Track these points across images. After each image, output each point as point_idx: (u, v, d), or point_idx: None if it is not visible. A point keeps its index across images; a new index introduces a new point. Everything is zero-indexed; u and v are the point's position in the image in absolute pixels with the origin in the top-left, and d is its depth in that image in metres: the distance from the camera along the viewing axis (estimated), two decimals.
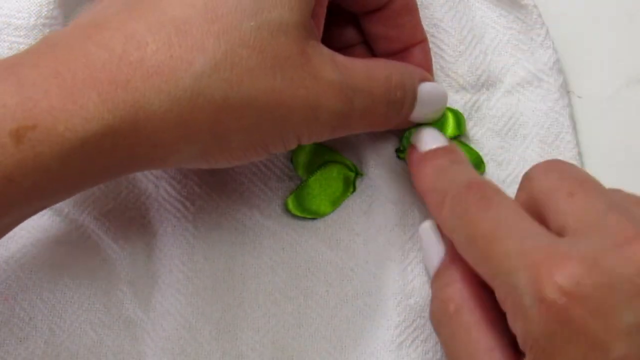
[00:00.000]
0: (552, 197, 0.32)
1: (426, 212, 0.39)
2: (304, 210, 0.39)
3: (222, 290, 0.38)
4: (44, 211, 0.38)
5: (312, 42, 0.33)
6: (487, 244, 0.31)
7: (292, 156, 0.40)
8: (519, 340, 0.30)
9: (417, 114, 0.38)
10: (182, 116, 0.30)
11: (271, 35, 0.31)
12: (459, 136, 0.40)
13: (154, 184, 0.39)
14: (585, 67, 0.44)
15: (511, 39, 0.42)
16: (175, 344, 0.37)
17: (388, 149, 0.40)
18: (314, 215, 0.39)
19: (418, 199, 0.40)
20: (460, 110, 0.41)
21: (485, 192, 0.32)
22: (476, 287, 0.33)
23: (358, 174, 0.40)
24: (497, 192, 0.32)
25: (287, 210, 0.39)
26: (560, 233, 0.30)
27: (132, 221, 0.39)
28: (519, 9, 0.41)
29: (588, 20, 0.44)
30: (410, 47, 0.39)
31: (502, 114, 0.41)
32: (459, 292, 0.33)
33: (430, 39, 0.41)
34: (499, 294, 0.30)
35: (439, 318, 0.34)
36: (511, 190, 0.40)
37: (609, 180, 0.33)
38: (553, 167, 0.33)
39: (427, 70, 0.39)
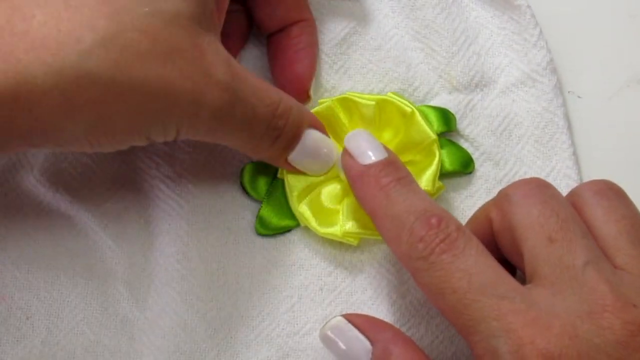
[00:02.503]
0: (529, 237, 0.31)
1: None
2: (273, 229, 0.39)
3: (217, 289, 0.38)
4: (40, 210, 0.39)
5: (209, 37, 0.32)
6: (459, 300, 0.30)
7: (240, 182, 0.40)
8: None
9: (297, 158, 0.37)
10: (67, 93, 0.29)
11: (164, 24, 0.31)
12: (447, 133, 0.40)
13: (149, 183, 0.39)
14: (586, 67, 0.44)
15: (505, 40, 0.42)
16: (171, 343, 0.37)
17: None
18: (285, 229, 0.39)
19: None
20: (454, 110, 0.41)
21: (449, 233, 0.31)
22: None
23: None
24: (459, 230, 0.31)
25: (257, 233, 0.39)
26: (532, 276, 0.30)
27: (128, 221, 0.39)
28: (513, 9, 0.42)
29: (589, 20, 0.44)
30: (290, 25, 0.38)
31: (496, 114, 0.41)
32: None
33: (422, 40, 0.41)
34: (476, 352, 0.30)
35: None
36: None
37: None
38: (534, 193, 0.32)
39: (310, 45, 0.38)
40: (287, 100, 0.36)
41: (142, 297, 0.38)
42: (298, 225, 0.39)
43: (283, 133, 0.36)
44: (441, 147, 0.40)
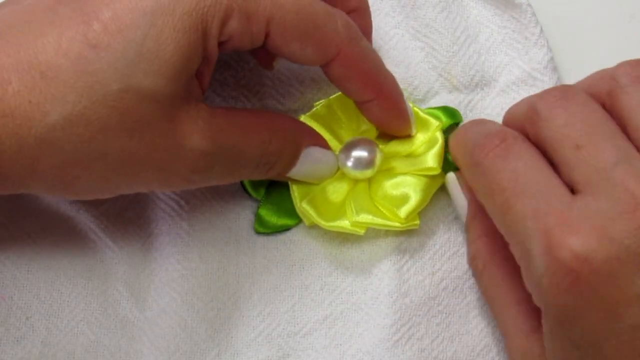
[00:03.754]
0: (559, 147, 0.31)
1: (423, 215, 0.39)
2: (272, 227, 0.39)
3: (217, 289, 0.38)
4: (40, 210, 0.39)
5: (187, 107, 0.33)
6: (504, 200, 0.31)
7: (241, 183, 0.40)
8: (534, 299, 0.31)
9: (296, 174, 0.37)
10: (30, 159, 0.31)
11: (138, 100, 0.31)
12: (458, 124, 0.40)
13: None
14: (586, 66, 0.43)
15: (506, 38, 0.42)
16: (171, 343, 0.37)
17: None
18: (285, 228, 0.39)
19: None
20: None
21: (506, 139, 0.32)
22: (500, 239, 0.33)
23: None
24: (517, 139, 0.32)
25: (257, 232, 0.39)
26: (569, 186, 0.31)
27: (128, 221, 0.39)
28: (513, 8, 0.41)
29: (589, 20, 0.44)
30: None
31: (497, 113, 0.41)
32: (484, 247, 0.34)
33: (423, 39, 0.41)
34: (515, 253, 0.31)
35: (473, 272, 0.36)
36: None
37: None
38: (559, 103, 0.32)
39: (365, 34, 0.37)
40: (281, 134, 0.36)
41: (142, 297, 0.38)
42: (297, 223, 0.39)
43: (276, 164, 0.36)
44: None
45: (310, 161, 0.37)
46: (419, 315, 0.38)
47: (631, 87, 0.32)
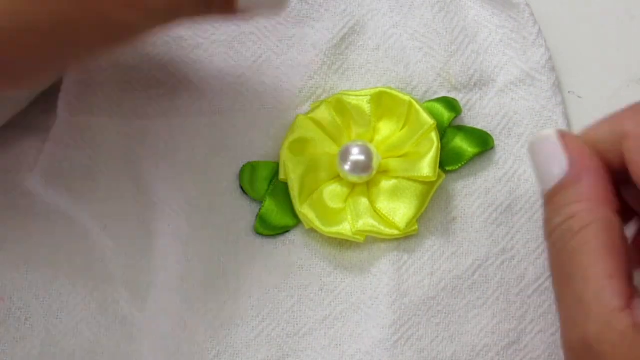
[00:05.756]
0: None
1: (422, 215, 0.39)
2: (273, 229, 0.39)
3: (217, 289, 0.38)
4: (39, 210, 0.39)
5: None
6: None
7: (239, 183, 0.40)
8: None
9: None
10: None
11: None
12: (456, 118, 0.41)
13: (147, 181, 0.39)
14: (586, 67, 0.44)
15: (504, 38, 0.42)
16: (170, 343, 0.37)
17: None
18: (285, 229, 0.39)
19: None
20: None
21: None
22: (606, 210, 0.31)
23: None
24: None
25: (257, 233, 0.39)
26: None
27: (127, 220, 0.39)
28: (511, 8, 0.42)
29: (588, 19, 0.44)
30: None
31: (495, 113, 0.41)
32: (587, 211, 0.32)
33: (421, 39, 0.41)
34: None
35: (559, 235, 0.32)
36: (507, 189, 0.40)
37: None
38: None
39: None
40: None
41: (141, 298, 0.38)
42: (298, 225, 0.39)
43: None
44: (456, 133, 0.40)
45: None
46: (419, 316, 0.38)
47: None
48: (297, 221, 0.39)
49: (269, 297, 0.39)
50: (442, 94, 0.41)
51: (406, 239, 0.39)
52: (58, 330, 0.38)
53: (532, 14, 0.42)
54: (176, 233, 0.39)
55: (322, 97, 0.41)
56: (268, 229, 0.39)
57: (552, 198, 0.33)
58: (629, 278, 0.31)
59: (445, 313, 0.39)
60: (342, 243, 0.39)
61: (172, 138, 0.40)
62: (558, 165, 0.33)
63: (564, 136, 0.33)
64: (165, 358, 0.37)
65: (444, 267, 0.39)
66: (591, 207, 0.32)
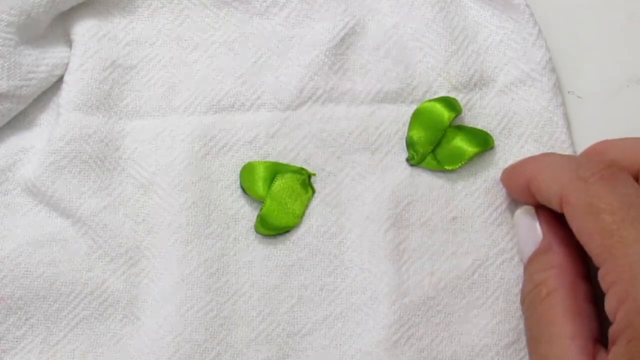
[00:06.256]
0: None
1: (422, 215, 0.40)
2: (274, 229, 0.39)
3: (217, 289, 0.38)
4: (39, 209, 0.39)
5: None
6: (615, 220, 0.31)
7: (239, 183, 0.40)
8: (615, 327, 0.30)
9: None
10: None
11: None
12: (458, 116, 0.41)
13: (147, 180, 0.39)
14: (585, 67, 0.44)
15: (504, 38, 0.42)
16: (170, 342, 0.37)
17: (352, 153, 0.40)
18: (286, 229, 0.39)
19: (414, 201, 0.40)
20: None
21: (611, 166, 0.33)
22: (571, 276, 0.34)
23: (310, 175, 0.40)
24: (622, 169, 0.33)
25: (257, 233, 0.39)
26: None
27: (127, 220, 0.39)
28: (511, 8, 0.42)
29: (588, 19, 0.44)
30: None
31: (495, 113, 0.41)
32: (554, 277, 0.34)
33: (421, 39, 0.41)
34: (606, 274, 0.31)
35: (530, 300, 0.35)
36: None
37: None
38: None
39: None
40: None
41: (142, 298, 0.38)
42: (298, 225, 0.39)
43: None
44: (456, 133, 0.40)
45: None
46: (418, 315, 0.38)
47: None
48: (298, 221, 0.39)
49: (269, 297, 0.39)
50: (442, 94, 0.41)
51: (406, 238, 0.39)
52: (58, 330, 0.38)
53: (532, 15, 0.42)
54: (175, 232, 0.39)
55: (322, 97, 0.41)
56: (268, 229, 0.39)
57: (527, 267, 0.36)
58: (594, 339, 0.32)
59: (445, 313, 0.39)
60: (342, 242, 0.39)
61: (171, 138, 0.40)
62: (533, 237, 0.36)
63: (539, 209, 0.37)
64: (165, 358, 0.37)
65: (443, 267, 0.39)
66: (558, 274, 0.34)
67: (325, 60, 0.41)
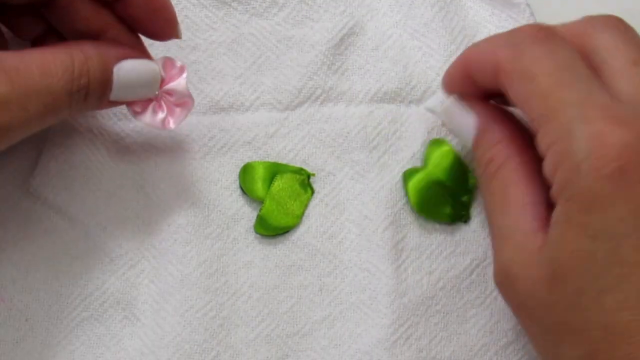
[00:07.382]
0: (613, 58, 0.32)
1: (420, 215, 0.40)
2: (273, 229, 0.39)
3: (216, 288, 0.38)
4: (40, 210, 0.39)
5: None
6: (550, 83, 0.31)
7: (239, 183, 0.40)
8: (555, 188, 0.30)
9: (119, 95, 0.35)
10: None
11: None
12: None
13: (148, 183, 0.39)
14: None
15: None
16: (170, 342, 0.38)
17: (350, 153, 0.41)
18: (285, 229, 0.39)
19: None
20: None
21: (546, 29, 0.33)
22: (517, 147, 0.34)
23: (309, 175, 0.40)
24: (555, 32, 0.33)
25: (257, 233, 0.39)
26: (613, 95, 0.31)
27: (126, 221, 0.39)
28: (511, 8, 0.42)
29: None
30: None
31: None
32: (501, 151, 0.34)
33: (420, 38, 0.41)
34: (544, 137, 0.31)
35: (483, 180, 0.35)
36: None
37: None
38: (614, 25, 0.33)
39: (132, 46, 0.36)
40: (83, 52, 0.34)
41: (141, 299, 0.38)
42: (298, 225, 0.40)
43: (90, 89, 0.34)
44: (433, 150, 0.40)
45: (127, 75, 0.35)
46: (417, 315, 0.38)
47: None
48: (297, 221, 0.40)
49: (268, 297, 0.39)
50: (441, 93, 0.41)
51: (404, 238, 0.39)
52: (58, 331, 0.38)
53: (532, 14, 0.42)
54: (175, 232, 0.39)
55: (321, 97, 0.41)
56: (268, 229, 0.39)
57: (474, 152, 0.36)
58: (544, 201, 0.32)
59: (444, 312, 0.39)
60: (341, 242, 0.39)
61: (171, 138, 0.40)
62: (470, 122, 0.35)
63: (463, 97, 0.36)
64: (165, 357, 0.37)
65: (442, 267, 0.39)
66: (503, 148, 0.34)
67: (324, 60, 0.41)
